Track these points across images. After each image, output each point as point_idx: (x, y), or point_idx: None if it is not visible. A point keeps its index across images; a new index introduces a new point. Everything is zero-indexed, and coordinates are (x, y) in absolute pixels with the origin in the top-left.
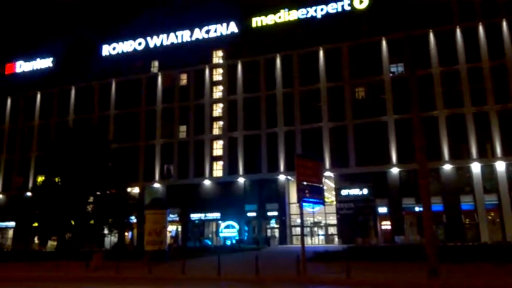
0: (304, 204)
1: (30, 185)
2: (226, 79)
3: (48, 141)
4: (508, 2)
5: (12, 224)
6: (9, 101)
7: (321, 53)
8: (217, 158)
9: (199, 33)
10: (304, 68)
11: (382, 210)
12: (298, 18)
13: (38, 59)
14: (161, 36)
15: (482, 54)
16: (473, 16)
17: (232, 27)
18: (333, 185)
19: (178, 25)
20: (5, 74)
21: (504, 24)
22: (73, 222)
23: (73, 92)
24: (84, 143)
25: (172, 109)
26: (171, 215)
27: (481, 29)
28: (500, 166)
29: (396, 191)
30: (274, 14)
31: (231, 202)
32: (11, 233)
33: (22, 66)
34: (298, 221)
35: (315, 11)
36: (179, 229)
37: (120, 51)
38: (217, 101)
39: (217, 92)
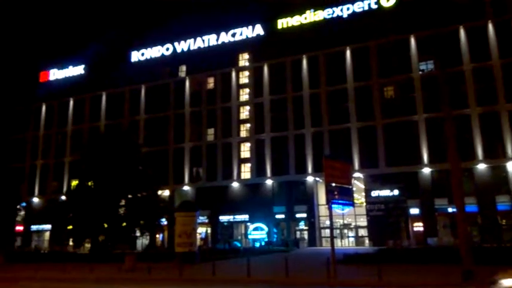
0: (333, 205)
1: (65, 189)
2: (253, 81)
3: (81, 146)
4: None
5: (48, 226)
6: (43, 107)
7: (348, 53)
8: (245, 160)
9: (225, 37)
10: (330, 68)
11: (414, 211)
12: (324, 18)
13: (70, 67)
14: (188, 41)
15: None
16: (505, 10)
17: (258, 30)
18: (362, 186)
19: (205, 29)
20: (39, 82)
21: None
22: (106, 225)
23: (104, 97)
24: (115, 147)
25: (200, 112)
26: (200, 217)
27: None
28: None
29: (428, 191)
30: (300, 15)
31: (259, 204)
32: (47, 235)
33: (55, 74)
34: (328, 222)
35: (341, 10)
36: (209, 231)
37: (148, 57)
38: (244, 103)
39: (244, 95)
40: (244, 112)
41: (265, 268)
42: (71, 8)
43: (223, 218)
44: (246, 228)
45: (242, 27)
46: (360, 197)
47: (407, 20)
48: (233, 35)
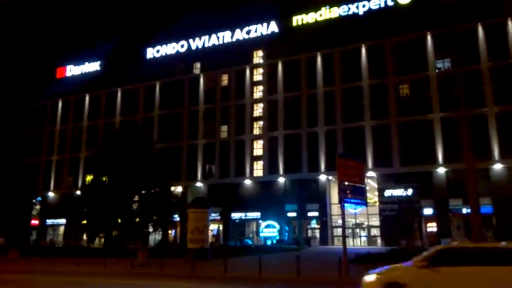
0: (345, 204)
1: (80, 184)
2: (267, 79)
3: (96, 142)
4: None
5: (63, 221)
6: (60, 103)
7: (363, 50)
8: (258, 158)
9: (239, 34)
10: (345, 66)
11: (428, 211)
12: (340, 15)
13: (87, 63)
14: (203, 38)
15: None
16: None
17: (273, 27)
18: (375, 185)
19: (219, 26)
20: (56, 78)
21: None
22: (119, 220)
23: (119, 94)
24: (130, 143)
25: (214, 109)
26: (212, 214)
27: None
28: None
29: (442, 191)
30: (315, 12)
31: (271, 202)
32: (62, 229)
33: (72, 70)
34: (340, 221)
35: (357, 7)
36: (220, 228)
37: (163, 54)
38: (258, 100)
39: (258, 92)
40: (258, 109)
41: (277, 266)
42: (87, 5)
43: (235, 215)
44: (258, 225)
45: (257, 24)
46: (372, 197)
47: (423, 17)
48: (248, 32)
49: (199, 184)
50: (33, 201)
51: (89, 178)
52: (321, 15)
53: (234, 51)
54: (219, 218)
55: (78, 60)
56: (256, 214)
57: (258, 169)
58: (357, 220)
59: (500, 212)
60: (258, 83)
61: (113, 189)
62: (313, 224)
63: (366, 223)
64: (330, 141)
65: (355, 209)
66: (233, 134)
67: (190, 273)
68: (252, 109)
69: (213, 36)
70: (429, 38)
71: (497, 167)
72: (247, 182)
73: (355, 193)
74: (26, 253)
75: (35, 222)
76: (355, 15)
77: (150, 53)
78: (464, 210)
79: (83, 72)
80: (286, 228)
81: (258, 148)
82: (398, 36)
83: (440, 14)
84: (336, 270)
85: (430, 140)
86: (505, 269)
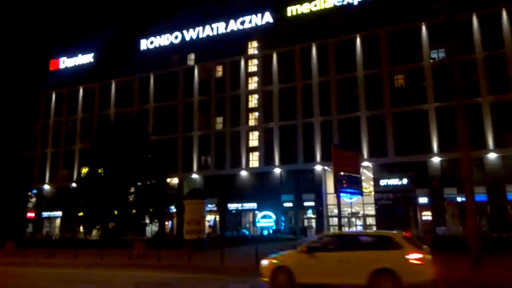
0: (341, 194)
1: (75, 176)
2: (262, 70)
3: (91, 134)
4: None
5: (59, 213)
6: (53, 96)
7: (358, 41)
8: (254, 149)
9: (234, 25)
10: (340, 56)
11: (423, 200)
12: (334, 5)
13: (80, 55)
14: (197, 29)
15: None
16: None
17: (267, 18)
18: (371, 175)
19: (214, 17)
20: (49, 70)
21: None
22: (116, 212)
23: (113, 86)
24: (125, 135)
25: (209, 101)
26: (209, 205)
27: None
28: None
29: (437, 180)
30: (310, 2)
31: (268, 192)
32: (58, 222)
33: (65, 62)
34: (336, 211)
35: None
36: (217, 219)
37: (157, 45)
38: (253, 92)
39: (253, 83)
40: (253, 100)
41: None
42: None
43: (232, 206)
44: (254, 216)
45: (251, 15)
46: (368, 186)
47: (418, 7)
48: (242, 22)
49: (195, 176)
50: (29, 194)
51: (84, 170)
52: (315, 5)
53: (228, 42)
54: (215, 209)
55: (71, 53)
56: (253, 205)
57: (254, 160)
58: (353, 209)
59: (495, 200)
60: (252, 74)
61: (108, 181)
62: (309, 213)
63: (361, 212)
64: (325, 131)
65: (350, 198)
66: (228, 126)
67: (187, 264)
68: (247, 100)
69: (207, 27)
70: (424, 28)
71: (492, 156)
72: (243, 173)
73: (350, 183)
74: (22, 246)
75: (31, 215)
76: (349, 5)
77: (144, 44)
78: (459, 199)
79: (77, 64)
80: (283, 218)
81: (254, 139)
82: (393, 26)
83: (435, 4)
84: None
85: (425, 130)
86: (351, 254)
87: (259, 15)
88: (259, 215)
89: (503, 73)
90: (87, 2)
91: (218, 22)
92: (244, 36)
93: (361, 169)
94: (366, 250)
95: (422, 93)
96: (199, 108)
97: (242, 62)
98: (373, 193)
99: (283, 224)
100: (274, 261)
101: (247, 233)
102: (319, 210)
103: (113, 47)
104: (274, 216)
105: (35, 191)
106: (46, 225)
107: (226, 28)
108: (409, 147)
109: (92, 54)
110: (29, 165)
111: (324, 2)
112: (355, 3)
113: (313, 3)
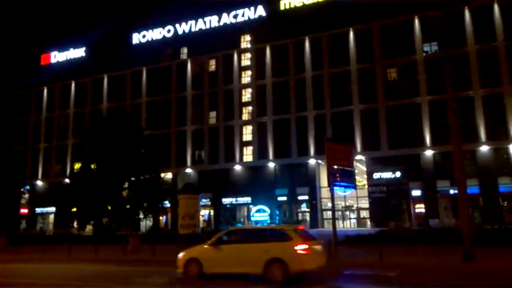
0: (335, 188)
1: (68, 171)
2: (255, 63)
3: (83, 129)
4: None
5: (52, 209)
6: (45, 90)
7: (351, 34)
8: (247, 143)
9: (227, 18)
10: (334, 50)
11: (416, 193)
12: None
13: (71, 49)
14: (189, 22)
15: None
16: None
17: (260, 11)
18: (364, 169)
19: (206, 11)
20: (41, 65)
21: None
22: (109, 207)
23: (105, 80)
24: (117, 130)
25: (202, 95)
26: (203, 200)
27: None
28: None
29: (430, 173)
30: None
31: (262, 186)
32: (51, 218)
33: (57, 57)
34: (329, 204)
35: None
36: (211, 213)
37: (149, 39)
38: (246, 86)
39: (246, 77)
40: (246, 95)
41: None
42: None
43: (226, 201)
44: (249, 210)
45: (244, 8)
46: (361, 179)
47: (411, 0)
48: (235, 16)
49: (189, 170)
50: (22, 190)
51: (77, 166)
52: None
53: (221, 36)
54: (209, 203)
55: (62, 47)
56: (247, 199)
57: (248, 154)
58: (347, 203)
59: (487, 193)
60: (246, 68)
61: (102, 176)
62: (304, 207)
63: (355, 205)
64: (318, 125)
65: (344, 192)
66: (222, 120)
67: None
68: (241, 94)
69: (200, 20)
70: (417, 21)
71: (484, 148)
72: (237, 167)
73: (344, 176)
74: (15, 242)
75: (24, 211)
76: None
77: (136, 38)
78: (452, 191)
79: (68, 58)
80: (277, 212)
81: (247, 133)
82: (386, 19)
83: None
84: (326, 251)
85: (417, 123)
86: (250, 246)
87: (252, 8)
88: (254, 209)
89: (495, 66)
90: None
91: (211, 15)
92: (237, 29)
93: (355, 162)
94: (263, 242)
95: (415, 86)
96: (192, 103)
97: (235, 56)
98: (366, 186)
99: (277, 218)
100: (187, 254)
101: None
102: (313, 203)
103: (104, 41)
104: (268, 210)
105: (27, 187)
106: (40, 221)
107: (219, 21)
108: (402, 140)
109: (84, 49)
110: (22, 161)
111: None
112: None
113: None
